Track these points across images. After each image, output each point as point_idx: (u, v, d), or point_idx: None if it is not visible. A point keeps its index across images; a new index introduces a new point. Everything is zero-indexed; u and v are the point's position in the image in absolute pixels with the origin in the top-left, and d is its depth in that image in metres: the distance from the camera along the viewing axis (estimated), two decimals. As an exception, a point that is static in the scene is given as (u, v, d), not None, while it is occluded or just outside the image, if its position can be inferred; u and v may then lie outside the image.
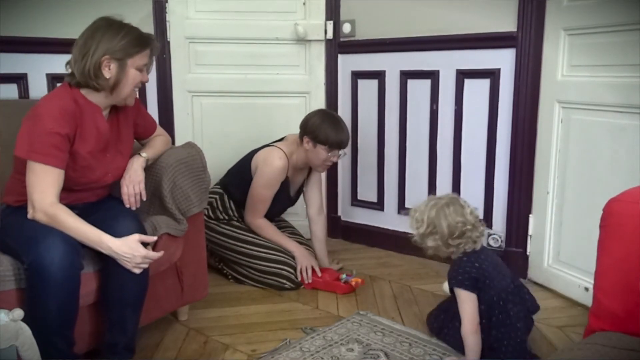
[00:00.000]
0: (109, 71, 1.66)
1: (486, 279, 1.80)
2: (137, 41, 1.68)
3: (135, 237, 1.62)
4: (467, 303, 1.79)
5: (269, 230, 2.46)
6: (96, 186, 1.78)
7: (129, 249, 1.59)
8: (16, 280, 1.54)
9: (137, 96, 1.86)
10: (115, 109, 1.80)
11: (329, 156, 2.38)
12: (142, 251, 1.61)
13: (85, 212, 1.68)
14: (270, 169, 2.38)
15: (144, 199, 1.81)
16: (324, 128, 2.34)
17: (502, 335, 1.77)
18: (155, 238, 1.70)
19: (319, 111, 2.47)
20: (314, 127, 2.36)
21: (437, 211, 1.83)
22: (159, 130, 2.01)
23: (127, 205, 1.78)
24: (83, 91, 1.70)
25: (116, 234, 1.61)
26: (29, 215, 1.59)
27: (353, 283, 2.36)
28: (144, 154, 1.85)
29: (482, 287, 1.80)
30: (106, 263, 1.65)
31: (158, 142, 1.95)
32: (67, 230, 1.57)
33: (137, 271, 1.62)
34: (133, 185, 1.79)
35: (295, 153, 2.44)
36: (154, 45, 1.76)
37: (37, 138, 1.59)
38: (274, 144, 2.47)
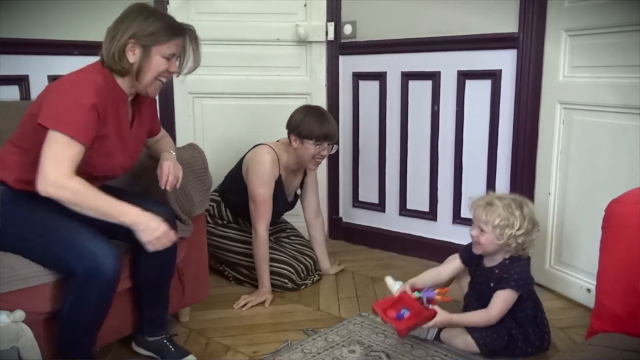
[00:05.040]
0: (133, 55, 1.62)
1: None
2: (166, 29, 1.65)
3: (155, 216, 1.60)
4: (510, 303, 1.81)
5: (259, 250, 2.32)
6: (110, 176, 1.74)
7: (156, 223, 1.55)
8: (22, 280, 1.52)
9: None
10: (137, 104, 1.77)
11: (318, 150, 2.31)
12: (164, 227, 1.56)
13: None
14: (259, 165, 2.34)
15: (177, 187, 1.81)
16: (307, 122, 2.29)
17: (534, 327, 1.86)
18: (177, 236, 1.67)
19: (303, 107, 2.41)
20: (298, 122, 2.31)
21: (522, 207, 1.81)
22: (163, 130, 2.01)
23: (164, 184, 1.76)
24: (113, 74, 1.66)
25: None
26: (41, 190, 1.47)
27: (439, 298, 1.85)
28: (173, 152, 1.86)
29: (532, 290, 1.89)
30: (133, 244, 1.65)
31: (170, 141, 1.96)
32: (90, 202, 1.49)
33: (151, 247, 1.56)
34: (176, 172, 1.78)
35: (286, 153, 2.40)
36: (187, 35, 1.72)
37: (68, 108, 1.52)
38: (262, 143, 2.44)
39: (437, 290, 1.83)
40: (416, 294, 1.85)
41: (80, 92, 1.54)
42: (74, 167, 1.50)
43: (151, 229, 1.54)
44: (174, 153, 1.85)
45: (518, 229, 1.78)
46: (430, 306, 1.80)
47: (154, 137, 1.93)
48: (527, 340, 1.85)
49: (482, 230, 1.82)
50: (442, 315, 1.78)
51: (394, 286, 2.02)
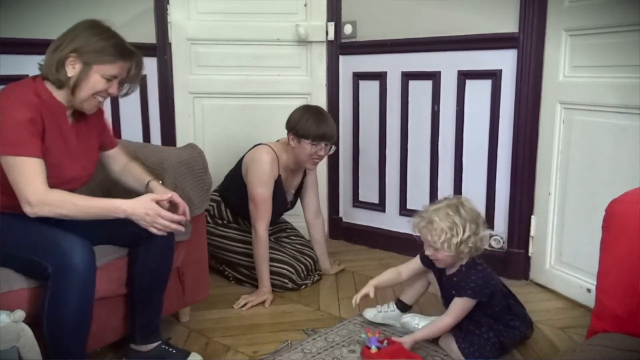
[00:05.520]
0: (72, 69, 1.58)
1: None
2: (112, 49, 1.60)
3: (148, 197, 1.60)
4: (466, 309, 1.83)
5: (259, 250, 2.32)
6: (68, 188, 1.66)
7: (144, 208, 1.56)
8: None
9: (102, 106, 1.75)
10: (81, 115, 1.70)
11: (315, 150, 2.30)
12: (156, 208, 1.57)
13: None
14: (258, 164, 2.34)
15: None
16: (305, 121, 2.28)
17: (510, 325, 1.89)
18: (168, 196, 1.65)
19: (302, 106, 2.41)
20: (295, 121, 2.30)
21: (460, 211, 1.80)
22: (120, 146, 1.90)
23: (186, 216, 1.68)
24: (48, 85, 1.61)
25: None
26: (29, 213, 1.50)
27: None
28: (160, 182, 1.80)
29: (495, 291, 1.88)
30: (130, 249, 1.67)
31: (142, 169, 1.87)
32: (77, 209, 1.52)
33: (154, 231, 1.58)
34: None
35: (285, 153, 2.39)
36: (134, 60, 1.66)
37: (8, 129, 1.49)
38: (262, 143, 2.44)
39: (377, 336, 1.85)
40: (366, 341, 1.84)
41: (13, 112, 1.51)
42: (44, 180, 1.52)
43: (143, 216, 1.56)
44: (160, 182, 1.80)
45: (464, 233, 1.78)
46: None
47: (107, 150, 1.85)
48: (509, 327, 1.87)
49: (435, 248, 1.83)
50: (407, 340, 1.84)
51: (369, 314, 2.11)
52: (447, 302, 1.92)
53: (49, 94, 1.61)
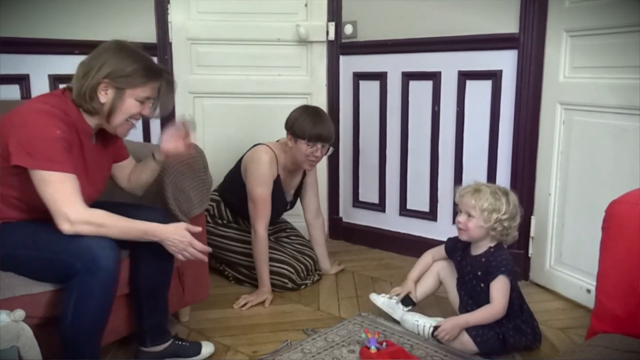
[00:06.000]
0: (105, 96, 1.57)
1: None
2: (144, 72, 1.59)
3: (183, 225, 1.62)
4: (508, 289, 1.85)
5: (258, 250, 2.32)
6: None
7: (180, 236, 1.59)
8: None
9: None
10: (101, 137, 1.71)
11: (311, 151, 2.29)
12: (189, 237, 1.60)
13: None
14: (257, 164, 2.34)
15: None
16: (301, 121, 2.28)
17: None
18: (199, 228, 1.67)
19: (301, 106, 2.40)
20: (292, 121, 2.30)
21: (508, 196, 1.88)
22: (131, 158, 1.89)
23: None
24: (79, 108, 1.61)
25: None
26: (67, 230, 1.48)
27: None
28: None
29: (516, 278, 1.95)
30: (132, 251, 1.68)
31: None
32: (117, 229, 1.54)
33: (181, 257, 1.62)
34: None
35: (284, 153, 2.39)
36: (164, 79, 1.65)
37: (42, 144, 1.47)
38: (261, 143, 2.44)
39: (376, 337, 1.85)
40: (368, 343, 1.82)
41: (47, 124, 1.49)
42: (81, 197, 1.51)
43: (176, 243, 1.59)
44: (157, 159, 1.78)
45: (504, 214, 1.84)
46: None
47: (120, 162, 1.84)
48: (519, 330, 1.87)
49: (469, 215, 1.87)
50: (450, 321, 1.85)
51: (378, 300, 2.11)
52: (465, 289, 1.95)
53: (78, 115, 1.60)
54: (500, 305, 1.82)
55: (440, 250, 2.09)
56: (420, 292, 2.08)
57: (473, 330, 1.83)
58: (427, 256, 2.13)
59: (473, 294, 1.93)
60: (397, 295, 2.08)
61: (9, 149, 1.48)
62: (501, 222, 1.84)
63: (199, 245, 1.63)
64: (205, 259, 1.68)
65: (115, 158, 1.82)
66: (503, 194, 1.87)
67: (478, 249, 1.92)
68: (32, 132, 1.48)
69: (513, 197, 1.89)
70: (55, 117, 1.52)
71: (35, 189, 1.49)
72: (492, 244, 1.90)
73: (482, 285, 1.88)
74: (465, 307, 1.95)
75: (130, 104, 1.60)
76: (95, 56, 1.59)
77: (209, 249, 1.70)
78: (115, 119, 1.61)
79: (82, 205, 1.50)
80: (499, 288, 1.83)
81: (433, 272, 2.08)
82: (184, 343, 1.84)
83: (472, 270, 1.92)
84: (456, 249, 2.01)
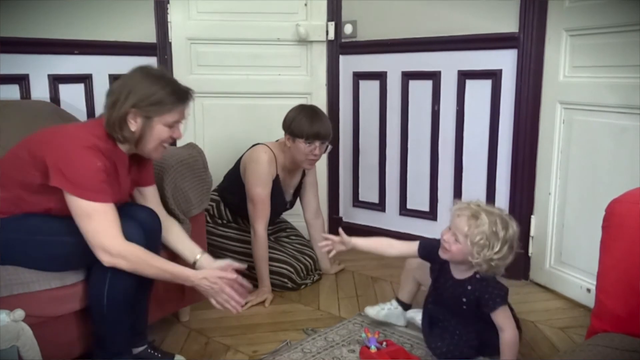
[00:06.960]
0: (134, 124, 1.57)
1: None
2: (170, 98, 1.58)
3: (215, 273, 1.63)
4: (509, 315, 1.75)
5: (258, 250, 2.33)
6: None
7: (211, 282, 1.61)
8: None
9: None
10: (133, 160, 1.71)
11: (310, 149, 2.29)
12: (221, 284, 1.61)
13: None
14: (256, 164, 2.33)
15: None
16: (299, 120, 2.28)
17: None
18: (233, 276, 1.64)
19: (297, 106, 2.39)
20: (290, 121, 2.31)
21: (508, 229, 1.67)
22: (155, 187, 1.84)
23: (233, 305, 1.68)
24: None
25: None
26: (106, 261, 1.50)
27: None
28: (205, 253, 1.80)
29: None
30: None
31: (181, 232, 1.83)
32: (151, 270, 1.56)
33: (213, 302, 1.65)
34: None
35: (283, 153, 2.39)
36: (191, 99, 1.65)
37: (87, 175, 1.49)
38: (260, 142, 2.44)
39: (376, 336, 1.84)
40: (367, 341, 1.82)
41: (90, 155, 1.51)
42: (120, 228, 1.52)
43: (208, 289, 1.62)
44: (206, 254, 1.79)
45: (496, 252, 1.64)
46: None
47: (142, 187, 1.79)
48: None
49: (457, 239, 1.69)
50: None
51: (380, 313, 2.06)
52: (442, 305, 1.84)
53: (113, 143, 1.61)
54: (512, 329, 1.72)
55: (407, 246, 1.92)
56: (406, 294, 2.04)
57: (432, 343, 1.79)
58: (385, 241, 1.99)
59: (453, 309, 1.81)
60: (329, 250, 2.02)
61: (45, 163, 1.50)
62: (489, 261, 1.65)
63: (231, 293, 1.62)
64: (238, 309, 1.66)
65: (138, 181, 1.77)
66: (503, 227, 1.65)
67: (461, 273, 1.77)
68: (74, 161, 1.50)
69: (512, 233, 1.67)
70: (94, 148, 1.52)
71: (73, 216, 1.51)
72: (478, 270, 1.72)
73: (465, 307, 1.77)
74: (428, 317, 1.87)
75: (159, 130, 1.60)
76: (122, 84, 1.59)
77: (243, 301, 1.68)
78: (146, 145, 1.62)
79: (121, 239, 1.52)
80: (503, 317, 1.72)
81: (409, 277, 2.02)
82: (156, 353, 1.79)
83: (455, 294, 1.78)
84: (434, 260, 1.84)
